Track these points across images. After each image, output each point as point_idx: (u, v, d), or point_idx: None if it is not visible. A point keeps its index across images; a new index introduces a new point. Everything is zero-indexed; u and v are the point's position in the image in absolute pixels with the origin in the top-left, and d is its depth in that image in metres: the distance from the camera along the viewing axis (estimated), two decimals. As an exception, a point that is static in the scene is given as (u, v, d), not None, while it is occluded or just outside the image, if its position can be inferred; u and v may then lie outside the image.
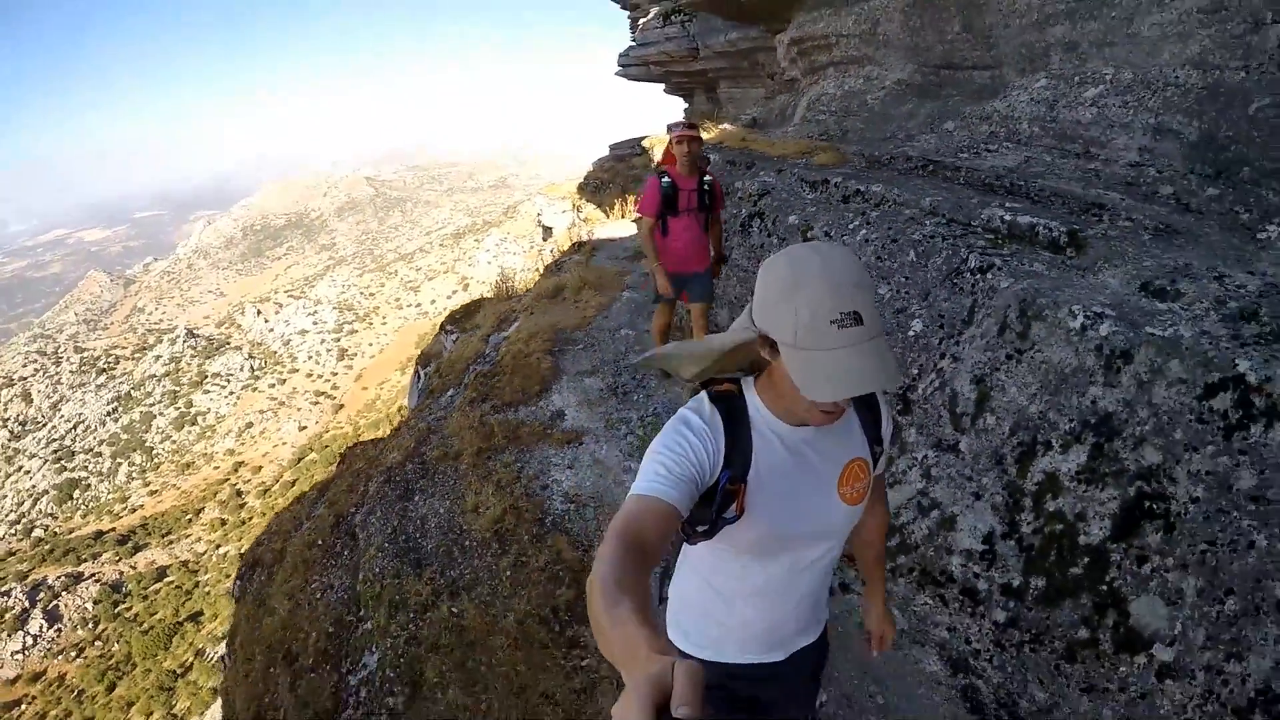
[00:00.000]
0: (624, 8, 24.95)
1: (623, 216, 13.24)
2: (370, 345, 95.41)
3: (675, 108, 26.54)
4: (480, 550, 3.95)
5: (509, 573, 3.67)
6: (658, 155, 10.35)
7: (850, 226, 4.72)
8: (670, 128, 5.10)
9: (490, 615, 3.45)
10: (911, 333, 3.82)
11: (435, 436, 5.57)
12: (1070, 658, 2.62)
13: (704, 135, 10.02)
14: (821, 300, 1.15)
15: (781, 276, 1.22)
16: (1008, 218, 3.99)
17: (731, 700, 1.73)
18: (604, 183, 19.93)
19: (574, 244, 12.50)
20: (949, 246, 3.92)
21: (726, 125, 12.66)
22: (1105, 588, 2.58)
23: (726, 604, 1.62)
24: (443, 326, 10.91)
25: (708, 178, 5.13)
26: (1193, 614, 2.39)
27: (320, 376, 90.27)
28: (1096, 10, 5.85)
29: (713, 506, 1.36)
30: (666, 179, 5.02)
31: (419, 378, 9.58)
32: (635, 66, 24.96)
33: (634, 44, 24.59)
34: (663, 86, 26.61)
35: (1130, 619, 2.51)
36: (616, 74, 27.09)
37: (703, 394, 1.45)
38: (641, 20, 23.30)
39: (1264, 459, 2.34)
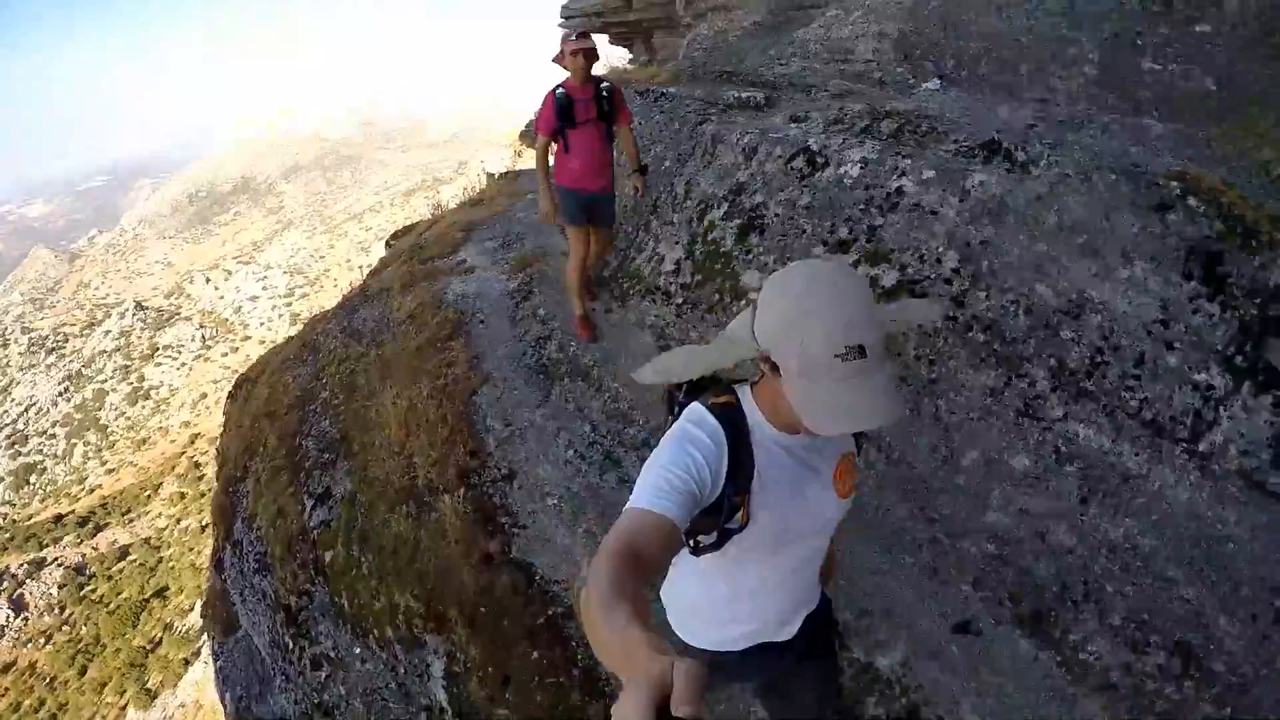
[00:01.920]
0: None
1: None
2: (323, 309, 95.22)
3: (620, 57, 28.21)
4: (399, 325, 6.19)
5: (414, 330, 5.92)
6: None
7: (650, 114, 6.97)
8: (564, 40, 5.02)
9: (400, 349, 5.72)
10: (665, 165, 6.13)
11: (376, 281, 7.81)
12: (710, 311, 4.93)
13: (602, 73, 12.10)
14: (829, 334, 1.18)
15: (790, 302, 1.25)
16: (735, 94, 6.30)
17: (751, 690, 1.88)
18: None
19: (501, 174, 14.60)
20: (695, 115, 6.22)
21: (614, 64, 14.75)
22: (730, 271, 4.89)
23: (735, 603, 1.70)
24: (386, 243, 13.12)
25: (605, 84, 5.10)
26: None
27: (273, 343, 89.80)
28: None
29: (719, 519, 1.42)
30: (561, 90, 4.97)
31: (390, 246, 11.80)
32: (577, 18, 26.62)
33: None
34: (606, 37, 28.35)
35: (740, 283, 4.82)
36: (559, 25, 28.70)
37: (701, 408, 1.47)
38: None
39: (817, 187, 4.64)
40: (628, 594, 0.97)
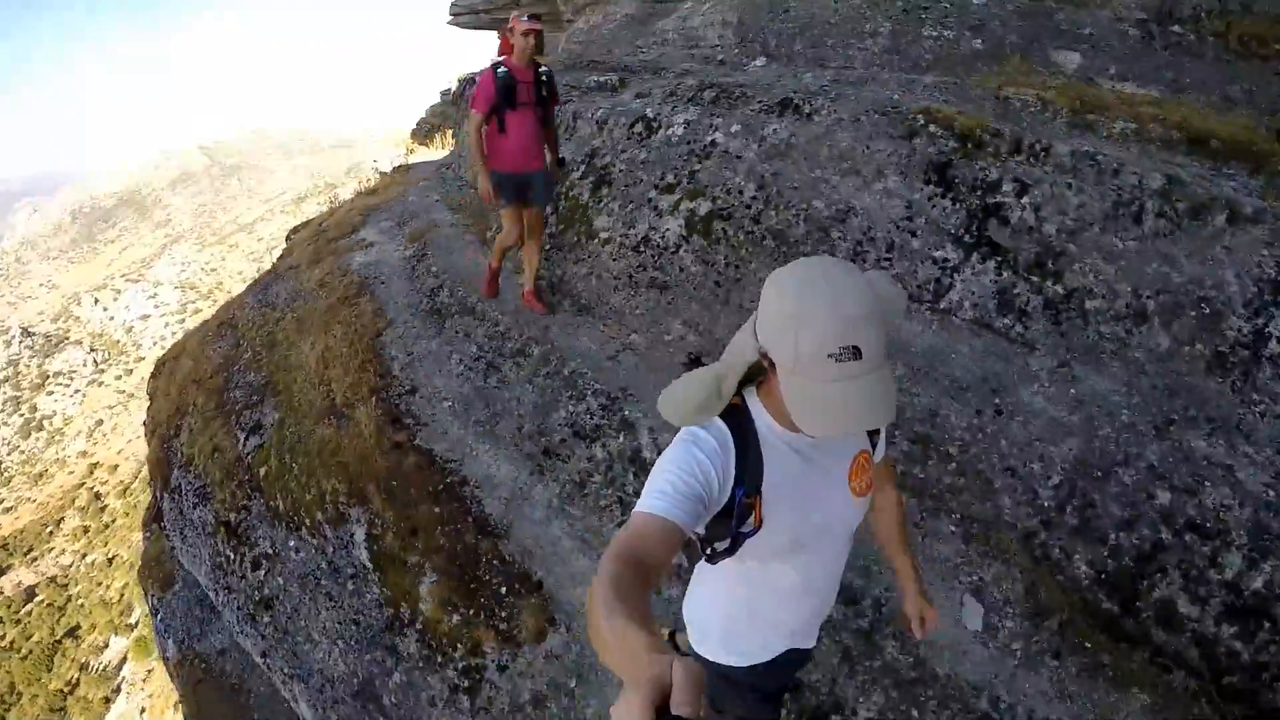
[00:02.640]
0: None
1: (441, 147, 15.84)
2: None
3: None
4: (310, 292, 6.93)
5: (324, 294, 6.69)
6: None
7: (525, 95, 7.88)
8: (515, 17, 4.98)
9: (313, 309, 6.48)
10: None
11: (284, 263, 8.49)
12: (571, 250, 5.85)
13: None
14: (824, 333, 1.18)
15: (787, 300, 1.24)
16: (595, 79, 7.26)
17: (763, 696, 1.92)
18: (435, 126, 21.17)
19: (394, 169, 15.26)
20: (562, 98, 7.16)
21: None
22: (586, 217, 5.81)
23: (759, 611, 1.72)
24: (287, 237, 13.68)
25: (544, 67, 5.12)
26: (620, 215, 5.68)
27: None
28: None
29: (731, 523, 1.42)
30: (504, 70, 4.91)
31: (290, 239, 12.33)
32: (466, 15, 27.06)
33: None
34: (495, 33, 28.90)
35: (592, 226, 5.76)
36: (449, 23, 29.11)
37: None
38: None
39: (651, 146, 5.60)
40: (629, 597, 0.99)
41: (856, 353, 1.17)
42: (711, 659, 1.81)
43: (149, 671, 32.35)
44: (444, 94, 27.03)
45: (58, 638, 48.55)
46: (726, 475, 1.38)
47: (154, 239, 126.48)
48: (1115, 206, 3.84)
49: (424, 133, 22.53)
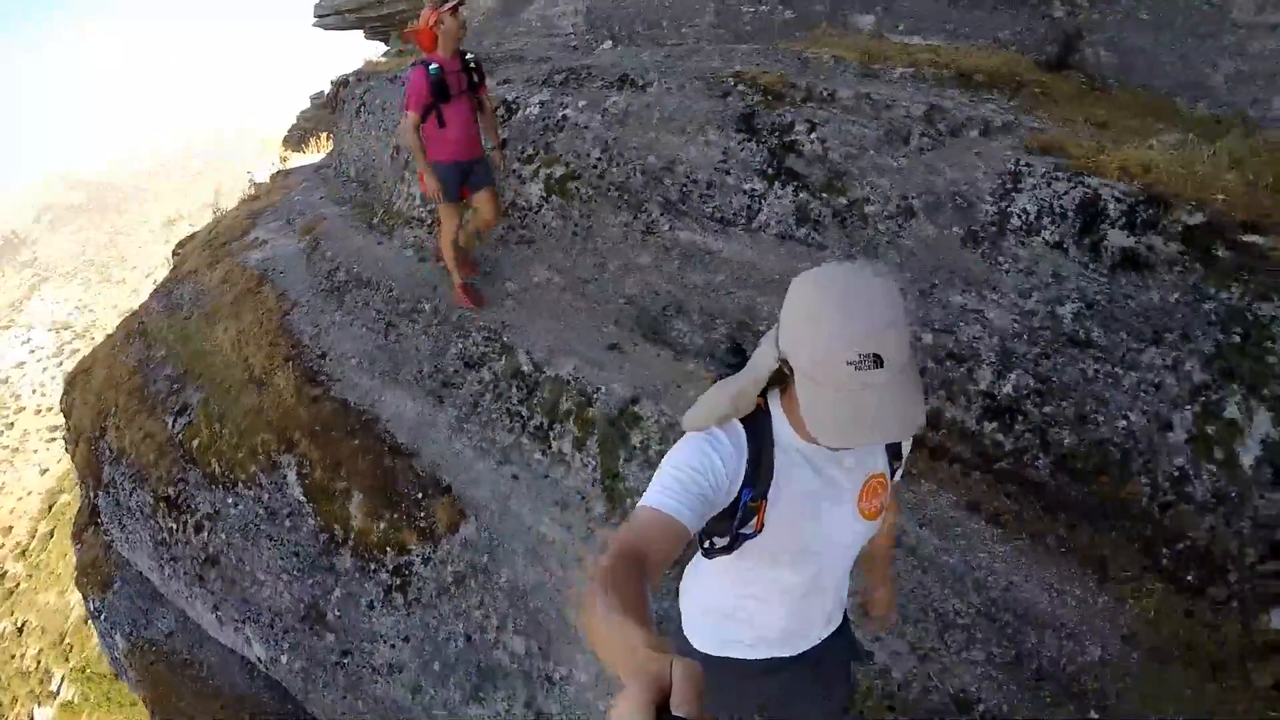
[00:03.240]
0: None
1: (317, 150, 16.10)
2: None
3: (376, 51, 29.06)
4: (214, 289, 7.45)
5: (228, 289, 7.23)
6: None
7: (396, 96, 8.50)
8: (431, 10, 4.97)
9: (220, 302, 7.03)
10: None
11: (182, 269, 8.94)
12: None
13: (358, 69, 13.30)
14: (841, 337, 1.17)
15: (807, 303, 1.24)
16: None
17: (742, 697, 1.92)
18: (307, 132, 21.08)
19: (273, 175, 15.54)
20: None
21: (381, 59, 15.97)
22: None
23: (747, 611, 1.73)
24: (173, 252, 13.91)
25: (469, 55, 5.17)
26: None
27: (50, 409, 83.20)
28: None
29: (733, 522, 1.43)
30: (434, 65, 4.95)
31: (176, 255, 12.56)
32: (331, 15, 26.90)
33: None
34: (362, 33, 28.91)
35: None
36: (314, 25, 28.89)
37: None
38: None
39: (513, 125, 6.35)
40: (629, 593, 0.99)
41: (877, 361, 1.16)
42: (699, 649, 1.84)
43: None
44: (313, 98, 26.98)
45: (-34, 725, 46.83)
46: (736, 477, 1.39)
47: (21, 280, 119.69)
48: (887, 133, 4.80)
49: (297, 139, 22.44)
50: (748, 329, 4.57)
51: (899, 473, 1.72)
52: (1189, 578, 3.16)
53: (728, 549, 1.49)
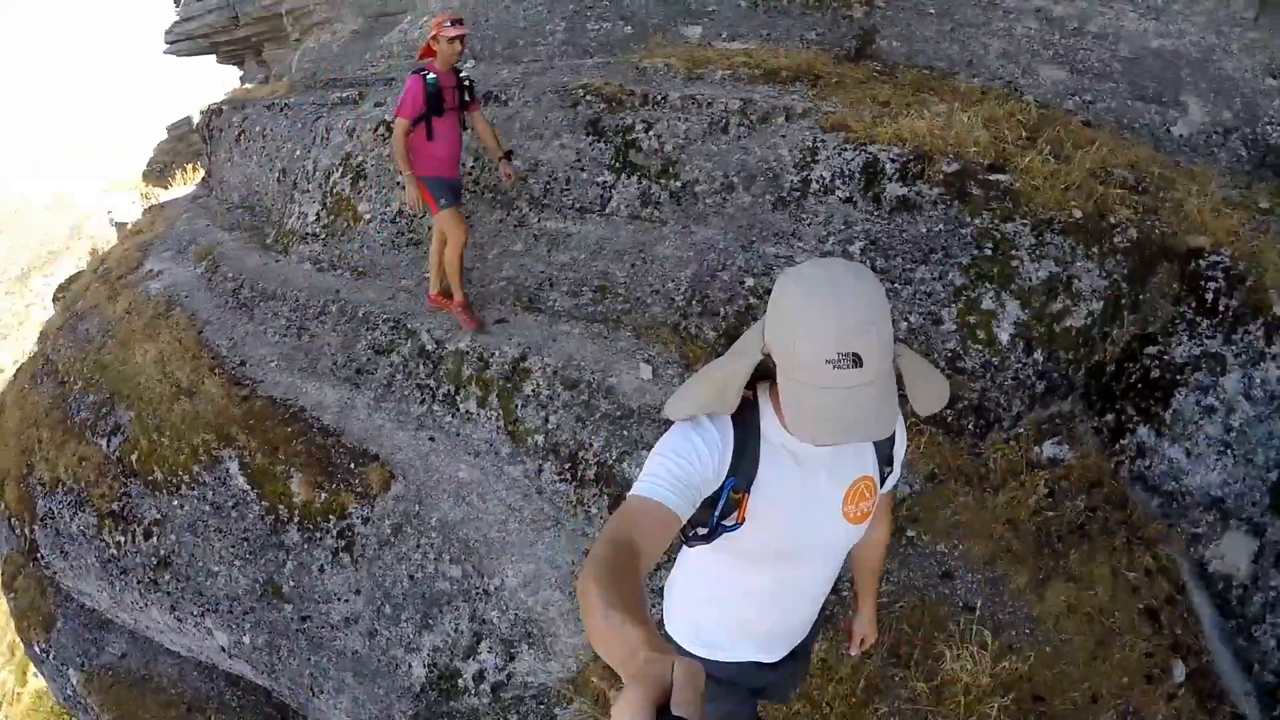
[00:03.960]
0: None
1: (185, 182, 16.14)
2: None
3: (229, 77, 28.66)
4: (120, 320, 7.90)
5: (135, 317, 7.71)
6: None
7: (279, 121, 9.08)
8: (440, 22, 5.16)
9: (131, 330, 7.51)
10: (295, 154, 8.35)
11: (79, 305, 9.27)
12: (343, 235, 7.31)
13: (223, 98, 13.60)
14: (823, 337, 1.18)
15: (790, 300, 1.26)
16: (338, 95, 8.62)
17: (730, 690, 1.89)
18: (168, 164, 21.11)
19: (146, 210, 15.58)
20: (313, 114, 8.49)
21: (247, 86, 16.21)
22: (350, 205, 7.27)
23: (727, 608, 1.76)
24: (54, 297, 13.93)
25: (463, 73, 5.38)
26: (377, 199, 7.17)
27: None
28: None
29: (714, 512, 1.44)
30: (431, 76, 5.10)
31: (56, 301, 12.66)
32: (183, 41, 26.21)
33: (178, 19, 25.98)
34: (214, 58, 28.49)
35: (357, 211, 7.23)
36: (165, 52, 28.14)
37: None
38: None
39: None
40: (625, 588, 1.00)
41: (856, 360, 1.17)
42: (681, 644, 1.86)
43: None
44: (170, 129, 26.50)
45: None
46: (722, 465, 1.41)
47: None
48: (710, 126, 5.79)
49: (157, 172, 22.06)
50: (606, 291, 5.52)
51: (891, 481, 1.74)
52: (969, 427, 4.28)
53: (706, 539, 1.49)
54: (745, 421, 1.45)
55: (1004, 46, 6.30)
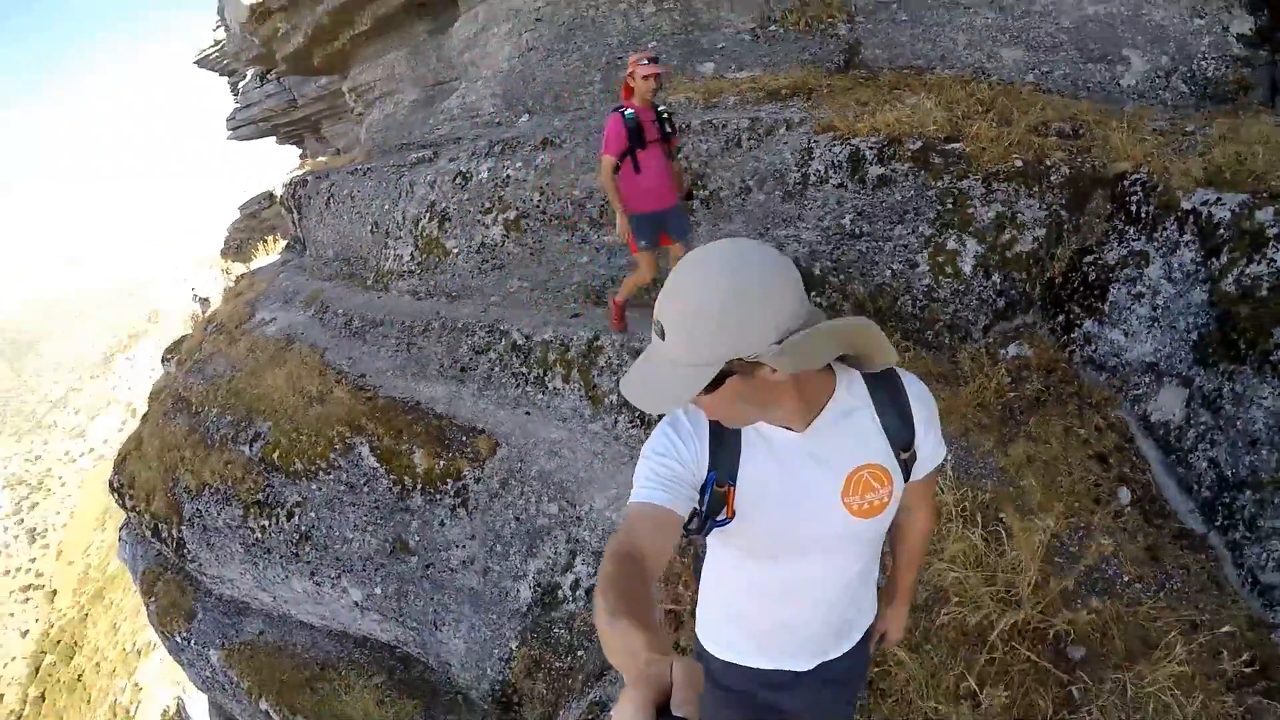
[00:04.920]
0: (222, 74, 28.48)
1: (265, 254, 17.50)
2: (58, 513, 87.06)
3: (289, 157, 30.86)
4: (244, 359, 9.33)
5: (259, 353, 9.12)
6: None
7: (364, 182, 10.54)
8: (636, 60, 5.28)
9: (258, 362, 8.91)
10: (385, 208, 9.77)
11: (201, 353, 10.75)
12: (431, 271, 8.65)
13: (305, 167, 15.23)
14: (660, 297, 1.21)
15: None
16: (415, 156, 10.06)
17: (752, 705, 1.84)
18: (244, 241, 22.62)
19: (237, 278, 17.24)
20: (394, 174, 9.92)
21: (321, 159, 17.96)
22: (440, 244, 8.63)
23: (744, 608, 1.74)
24: (163, 358, 15.63)
25: (662, 106, 5.51)
26: (461, 235, 8.52)
27: (19, 569, 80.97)
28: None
29: (702, 506, 1.43)
30: (630, 111, 5.25)
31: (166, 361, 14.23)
32: (245, 126, 28.44)
33: (239, 106, 28.13)
34: (274, 139, 30.75)
35: (445, 247, 8.58)
36: (229, 138, 30.33)
37: None
38: (241, 84, 27.01)
39: (469, 189, 8.47)
40: (630, 596, 1.02)
41: (660, 331, 1.20)
42: (706, 647, 1.86)
43: None
44: (242, 209, 28.61)
45: None
46: (701, 457, 1.42)
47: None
48: (726, 143, 6.95)
49: (234, 248, 23.68)
50: (656, 283, 6.70)
51: (924, 468, 1.59)
52: (946, 342, 5.35)
53: (699, 531, 1.47)
54: None
55: (968, 38, 7.37)
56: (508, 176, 8.18)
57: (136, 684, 42.83)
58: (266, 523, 7.59)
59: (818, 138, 6.38)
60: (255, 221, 25.20)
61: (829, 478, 1.46)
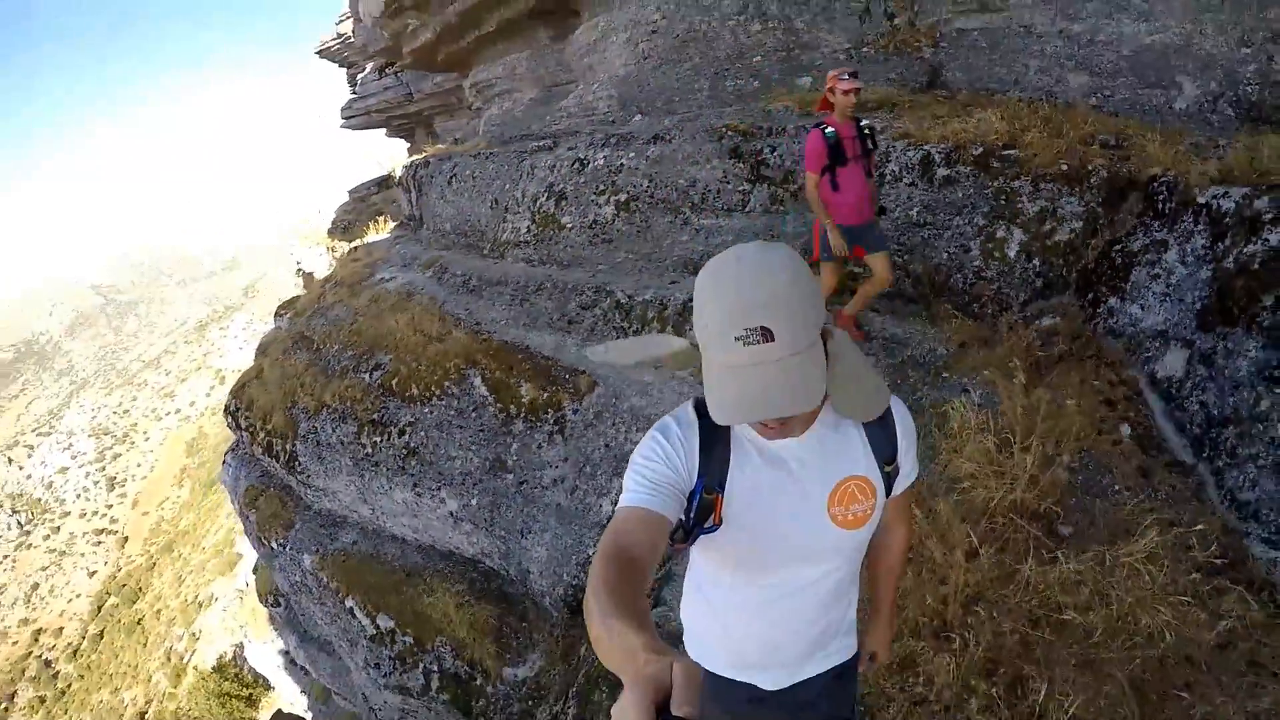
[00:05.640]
0: (341, 65, 30.15)
1: (375, 233, 18.29)
2: (139, 465, 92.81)
3: (397, 149, 32.29)
4: (365, 307, 10.51)
5: (379, 303, 10.30)
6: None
7: (487, 165, 11.73)
8: (835, 76, 5.29)
9: (379, 310, 10.10)
10: (505, 187, 10.91)
11: (322, 302, 12.02)
12: (544, 242, 9.73)
13: (425, 152, 16.56)
14: (729, 311, 1.19)
15: (701, 284, 1.26)
16: (534, 144, 11.20)
17: (732, 717, 1.86)
18: (351, 223, 23.69)
19: (352, 249, 18.63)
20: (516, 159, 11.08)
21: (440, 145, 19.32)
22: (554, 219, 9.71)
23: (720, 617, 1.74)
24: (275, 314, 17.06)
25: (864, 122, 5.52)
26: (576, 213, 9.58)
27: (95, 513, 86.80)
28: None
29: (690, 514, 1.44)
30: (830, 129, 5.25)
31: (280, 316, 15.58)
32: (358, 116, 29.89)
33: (355, 96, 29.63)
34: (384, 131, 32.33)
35: (560, 222, 9.64)
36: (341, 126, 31.75)
37: (689, 401, 1.53)
38: (360, 75, 28.47)
39: (585, 174, 9.54)
40: (622, 597, 1.03)
41: (766, 334, 1.17)
42: (689, 653, 1.88)
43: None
44: (351, 192, 30.13)
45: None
46: (691, 463, 1.44)
47: (58, 388, 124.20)
48: (820, 152, 7.91)
49: (341, 229, 24.13)
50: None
51: (903, 482, 1.66)
52: (989, 312, 6.15)
53: (685, 539, 1.48)
54: (712, 422, 1.38)
55: (1039, 64, 8.09)
56: (621, 164, 9.22)
57: (194, 634, 44.19)
58: (378, 439, 8.67)
59: (895, 143, 7.22)
60: (363, 205, 26.39)
61: (817, 488, 1.51)
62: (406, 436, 8.38)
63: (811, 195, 5.49)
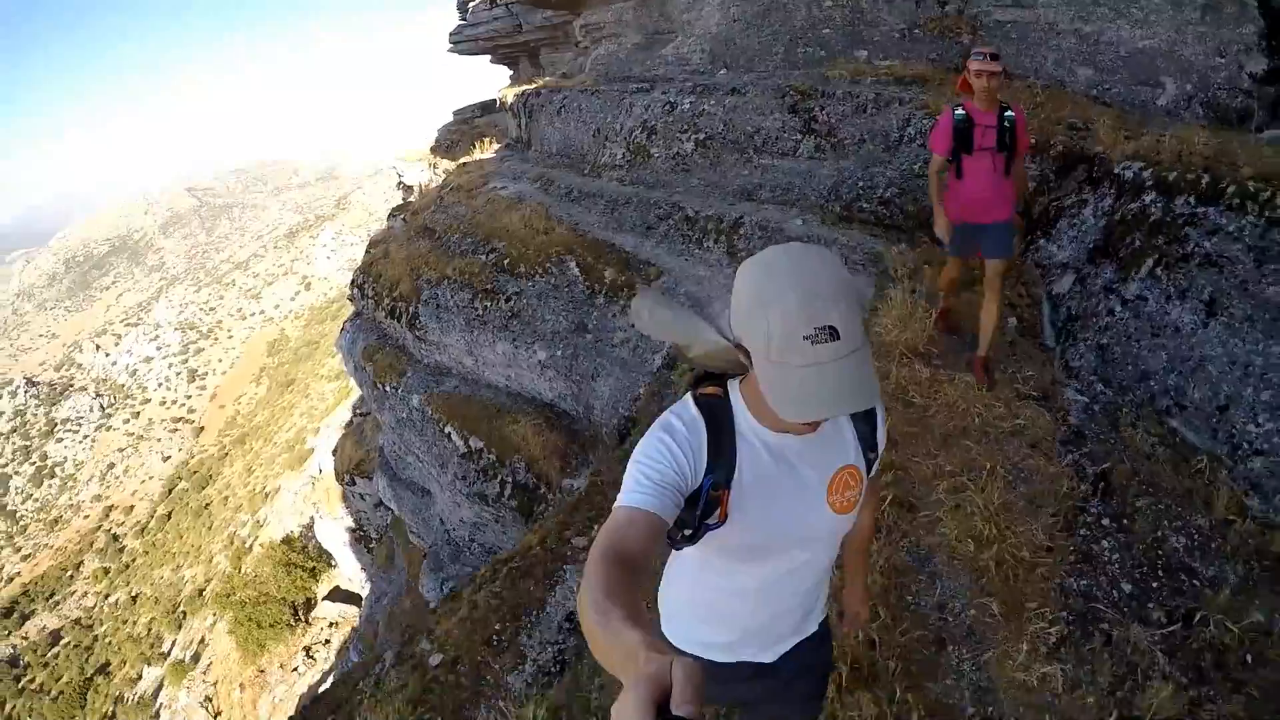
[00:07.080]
0: None
1: (481, 152, 20.09)
2: (220, 361, 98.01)
3: (500, 76, 33.19)
4: (482, 208, 13.34)
5: (494, 205, 13.10)
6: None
7: (591, 100, 14.35)
8: (972, 56, 4.91)
9: (493, 209, 12.93)
10: (607, 120, 13.57)
11: (449, 198, 14.90)
12: (636, 168, 12.37)
13: (536, 83, 19.08)
14: (795, 313, 1.23)
15: (755, 284, 1.31)
16: (635, 85, 13.79)
17: (721, 695, 2.02)
18: (454, 142, 25.42)
19: (460, 164, 21.28)
20: (617, 96, 13.69)
21: (547, 78, 21.79)
22: (646, 150, 12.33)
23: (715, 606, 1.83)
24: (389, 216, 19.86)
25: (1009, 112, 4.99)
26: (663, 146, 12.20)
27: (175, 402, 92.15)
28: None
29: (696, 511, 1.49)
30: (960, 111, 4.94)
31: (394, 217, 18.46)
32: (466, 43, 31.06)
33: (465, 24, 30.99)
34: (489, 58, 34.13)
35: (650, 154, 12.27)
36: (449, 50, 33.25)
37: (688, 397, 1.59)
38: (471, 4, 29.10)
39: (674, 115, 12.14)
40: (620, 597, 1.05)
41: (833, 333, 1.22)
42: (679, 647, 1.91)
43: (204, 670, 35.56)
44: (456, 114, 31.91)
45: (88, 675, 49.62)
46: (698, 462, 1.49)
47: (149, 283, 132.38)
48: (855, 108, 10.08)
49: (444, 147, 25.93)
50: (789, 190, 10.17)
51: (875, 466, 1.80)
52: None
53: (692, 539, 1.55)
54: (717, 418, 1.52)
55: (1056, 57, 9.58)
56: (703, 110, 11.74)
57: (258, 521, 45.98)
58: (489, 304, 11.45)
59: (915, 111, 9.53)
60: (467, 126, 27.91)
61: (817, 478, 1.63)
62: (512, 303, 11.17)
63: (931, 178, 5.33)
